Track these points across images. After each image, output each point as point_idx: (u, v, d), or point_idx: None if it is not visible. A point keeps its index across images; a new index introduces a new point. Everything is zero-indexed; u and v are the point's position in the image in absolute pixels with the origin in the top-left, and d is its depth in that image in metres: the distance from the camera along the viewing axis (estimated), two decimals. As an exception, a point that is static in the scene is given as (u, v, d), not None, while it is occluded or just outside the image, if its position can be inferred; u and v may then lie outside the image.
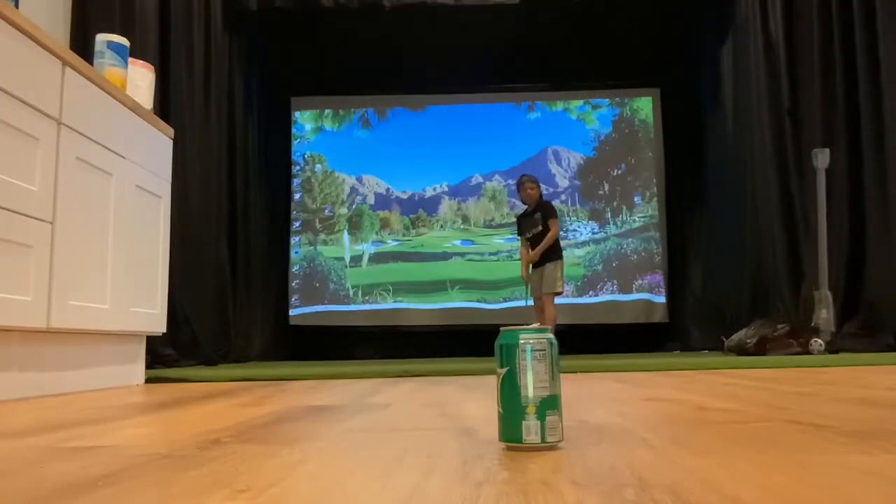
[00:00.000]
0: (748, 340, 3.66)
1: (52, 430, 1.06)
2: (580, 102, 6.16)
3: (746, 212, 4.54)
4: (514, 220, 6.39)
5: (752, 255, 4.46)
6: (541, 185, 4.42)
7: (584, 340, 5.35)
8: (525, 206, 4.40)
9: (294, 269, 5.96)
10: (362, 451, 0.79)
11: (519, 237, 4.48)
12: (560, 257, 4.23)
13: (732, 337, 3.89)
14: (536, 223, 4.24)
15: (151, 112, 2.49)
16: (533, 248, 4.22)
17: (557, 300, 4.28)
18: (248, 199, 4.99)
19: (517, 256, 5.95)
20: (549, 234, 4.14)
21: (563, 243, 5.97)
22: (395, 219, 6.08)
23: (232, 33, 4.61)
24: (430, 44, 5.52)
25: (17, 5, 1.83)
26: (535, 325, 0.78)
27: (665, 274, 5.85)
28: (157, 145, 2.49)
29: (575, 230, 5.98)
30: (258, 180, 5.22)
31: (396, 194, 6.14)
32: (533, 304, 4.34)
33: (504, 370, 0.76)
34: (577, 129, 6.14)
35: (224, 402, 1.49)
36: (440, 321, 5.81)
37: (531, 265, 4.27)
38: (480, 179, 6.15)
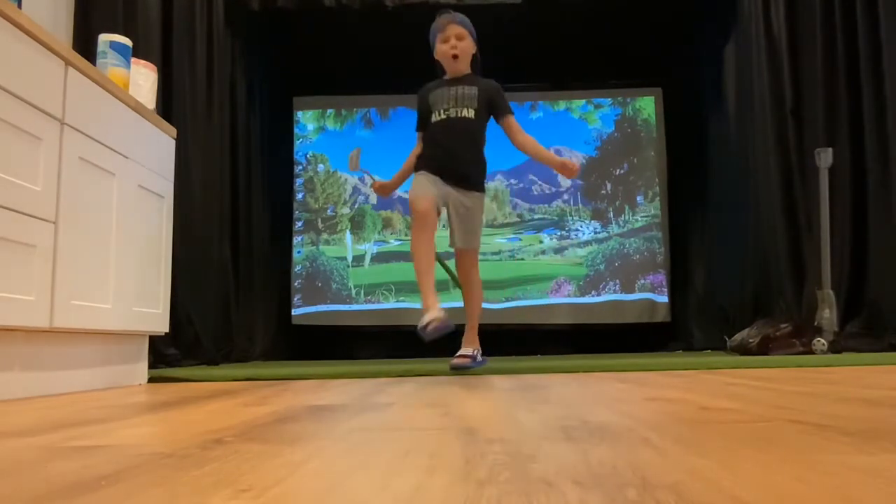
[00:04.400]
0: (751, 340, 3.66)
1: (55, 429, 1.06)
2: (582, 102, 6.15)
3: (749, 211, 4.53)
4: (516, 219, 6.38)
5: (755, 255, 4.45)
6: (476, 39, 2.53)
7: (586, 340, 5.35)
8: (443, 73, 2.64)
9: (296, 268, 5.97)
10: (365, 451, 0.79)
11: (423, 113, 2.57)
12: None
13: (735, 336, 3.88)
14: (471, 100, 2.54)
15: (154, 112, 2.50)
16: (448, 139, 2.51)
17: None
18: (251, 198, 4.99)
19: (520, 256, 5.92)
20: (531, 139, 2.41)
21: (565, 242, 6.00)
22: (398, 218, 6.07)
23: (234, 33, 4.62)
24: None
25: (19, 6, 1.84)
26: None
27: (668, 273, 5.84)
28: (160, 145, 2.50)
29: (577, 230, 5.97)
30: (260, 180, 5.22)
31: (398, 194, 6.12)
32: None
33: None
34: (579, 129, 6.13)
35: (226, 402, 1.49)
36: (442, 321, 5.79)
37: (446, 184, 2.43)
38: (482, 179, 6.14)
